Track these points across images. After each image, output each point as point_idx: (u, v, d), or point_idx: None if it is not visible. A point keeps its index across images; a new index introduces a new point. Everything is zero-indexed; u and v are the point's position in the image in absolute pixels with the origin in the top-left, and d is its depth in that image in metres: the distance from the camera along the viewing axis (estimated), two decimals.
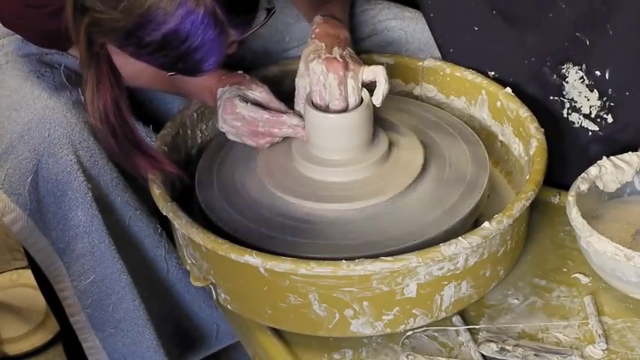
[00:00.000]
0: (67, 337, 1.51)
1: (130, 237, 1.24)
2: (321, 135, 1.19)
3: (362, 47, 1.43)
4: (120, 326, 1.23)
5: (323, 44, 1.22)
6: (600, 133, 1.29)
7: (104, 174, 1.20)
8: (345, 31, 1.30)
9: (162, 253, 1.26)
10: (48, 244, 1.22)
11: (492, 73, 1.36)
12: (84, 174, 1.18)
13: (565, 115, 1.31)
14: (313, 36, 1.26)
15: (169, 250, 1.26)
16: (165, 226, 1.26)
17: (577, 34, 1.24)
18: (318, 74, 1.18)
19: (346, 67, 1.18)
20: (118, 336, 1.24)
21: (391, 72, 1.41)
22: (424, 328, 1.12)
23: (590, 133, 1.30)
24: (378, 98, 1.18)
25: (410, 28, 1.44)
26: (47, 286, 1.33)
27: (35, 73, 1.24)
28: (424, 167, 1.21)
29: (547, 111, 1.31)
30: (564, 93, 1.30)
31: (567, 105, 1.30)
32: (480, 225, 1.07)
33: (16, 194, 1.19)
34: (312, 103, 1.19)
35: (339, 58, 1.18)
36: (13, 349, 1.72)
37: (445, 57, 1.40)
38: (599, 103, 1.27)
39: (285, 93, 1.42)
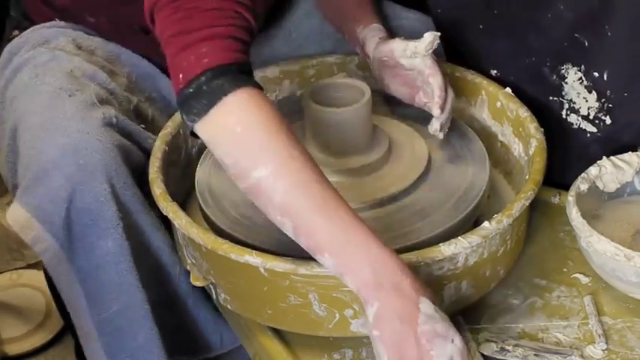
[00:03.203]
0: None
1: (149, 256, 1.22)
2: (322, 130, 1.18)
3: None
4: (136, 355, 1.21)
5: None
6: (598, 134, 1.29)
7: (134, 199, 1.18)
8: None
9: (176, 272, 1.25)
10: (72, 272, 1.18)
11: (494, 72, 1.36)
12: (116, 202, 1.15)
13: (564, 116, 1.31)
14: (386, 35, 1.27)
15: (182, 269, 1.25)
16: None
17: (575, 34, 1.24)
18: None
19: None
20: None
21: None
22: None
23: (588, 135, 1.30)
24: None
25: (415, 30, 1.44)
26: (59, 296, 1.31)
27: (66, 91, 1.21)
28: (424, 167, 1.21)
29: (547, 111, 1.31)
30: (563, 94, 1.30)
31: (566, 106, 1.30)
32: (480, 225, 1.07)
33: (49, 223, 1.14)
34: (314, 99, 1.19)
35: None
36: (13, 349, 1.72)
37: (449, 55, 1.40)
38: (597, 104, 1.27)
39: (284, 94, 1.43)
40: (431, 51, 1.19)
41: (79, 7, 1.36)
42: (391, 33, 1.31)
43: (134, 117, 1.28)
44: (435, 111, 1.20)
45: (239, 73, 1.00)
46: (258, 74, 1.38)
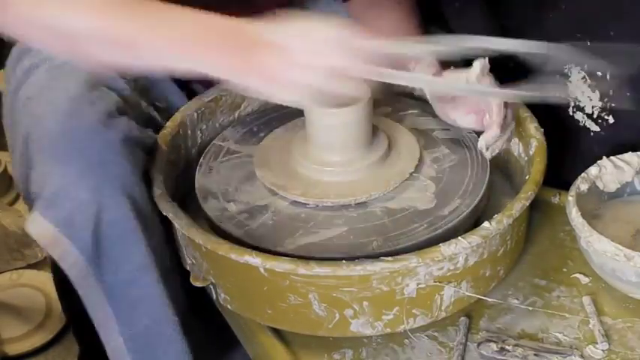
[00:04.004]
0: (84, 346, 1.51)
1: (172, 268, 1.21)
2: (322, 130, 1.18)
3: None
4: None
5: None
6: (602, 133, 1.29)
7: (153, 211, 1.16)
8: None
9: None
10: (100, 289, 1.15)
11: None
12: (139, 216, 1.13)
13: (571, 114, 1.32)
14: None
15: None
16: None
17: (578, 34, 1.24)
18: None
19: None
20: None
21: None
22: (424, 328, 1.12)
23: (592, 134, 1.31)
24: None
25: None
26: (67, 298, 1.31)
27: (86, 99, 1.16)
28: (423, 167, 1.21)
29: (554, 108, 1.32)
30: (569, 92, 1.30)
31: (572, 104, 1.31)
32: (480, 225, 1.07)
33: (77, 238, 1.11)
34: None
35: None
36: (13, 349, 1.72)
37: None
38: (600, 103, 1.27)
39: None
40: (485, 76, 1.15)
41: None
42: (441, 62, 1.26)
43: (143, 123, 1.27)
44: (495, 130, 1.17)
45: None
46: None
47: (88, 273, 1.13)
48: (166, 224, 1.25)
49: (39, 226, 1.11)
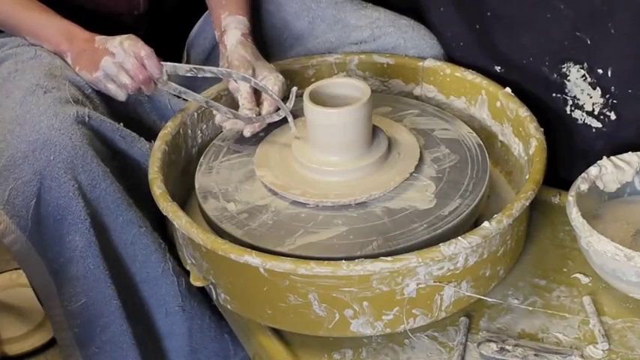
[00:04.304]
0: None
1: (135, 255, 1.23)
2: (322, 130, 1.18)
3: (362, 50, 1.44)
4: (105, 347, 1.23)
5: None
6: (604, 129, 1.29)
7: (105, 196, 1.19)
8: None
9: (170, 267, 1.25)
10: (43, 264, 1.21)
11: (498, 68, 1.36)
12: (84, 199, 1.17)
13: (568, 112, 1.32)
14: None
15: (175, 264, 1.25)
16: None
17: (577, 33, 1.24)
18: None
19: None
20: (102, 355, 1.24)
21: (392, 72, 1.42)
22: (424, 328, 1.12)
23: (594, 130, 1.31)
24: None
25: (407, 35, 1.43)
26: None
27: (42, 87, 1.22)
28: (423, 167, 1.21)
29: (550, 108, 1.32)
30: (566, 91, 1.30)
31: (570, 102, 1.31)
32: (480, 225, 1.07)
33: (18, 216, 1.17)
34: (313, 99, 1.19)
35: None
36: (13, 349, 1.72)
37: (454, 50, 1.40)
38: (601, 100, 1.27)
39: (284, 93, 1.43)
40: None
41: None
42: (254, 30, 1.36)
43: (114, 118, 1.28)
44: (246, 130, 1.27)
45: None
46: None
47: (31, 249, 1.19)
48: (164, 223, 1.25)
49: None
